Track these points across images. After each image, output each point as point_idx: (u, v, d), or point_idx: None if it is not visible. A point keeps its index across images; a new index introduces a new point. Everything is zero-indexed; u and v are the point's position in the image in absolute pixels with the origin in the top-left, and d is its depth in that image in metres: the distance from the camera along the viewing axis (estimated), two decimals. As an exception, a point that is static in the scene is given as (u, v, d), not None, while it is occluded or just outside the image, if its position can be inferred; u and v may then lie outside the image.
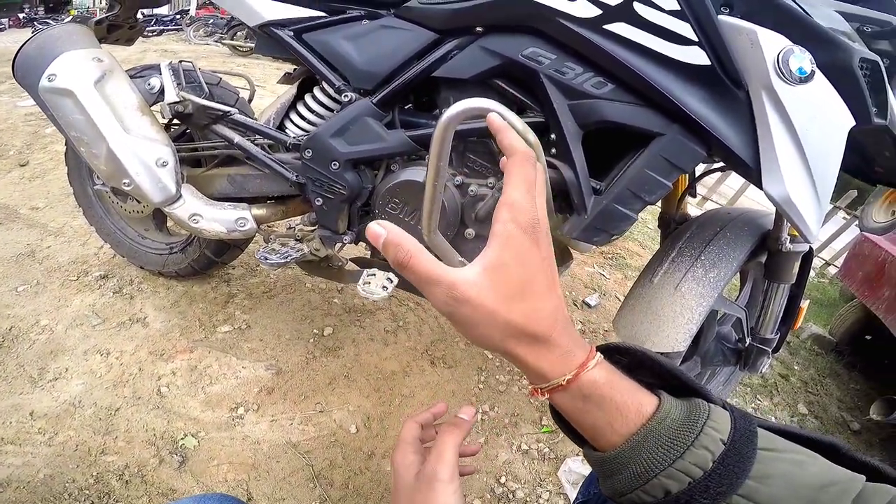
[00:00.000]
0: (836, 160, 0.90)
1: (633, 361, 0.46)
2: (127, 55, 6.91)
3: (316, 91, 1.25)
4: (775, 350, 1.43)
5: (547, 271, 0.41)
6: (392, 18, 1.15)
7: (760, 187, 0.93)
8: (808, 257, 1.35)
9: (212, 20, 11.19)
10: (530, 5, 0.94)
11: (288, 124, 1.30)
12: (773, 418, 1.97)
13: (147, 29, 13.22)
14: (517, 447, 1.50)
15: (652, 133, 0.95)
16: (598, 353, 0.42)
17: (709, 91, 0.92)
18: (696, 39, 0.88)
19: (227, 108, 1.27)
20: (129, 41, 1.64)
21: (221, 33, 9.94)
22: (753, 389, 2.15)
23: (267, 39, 1.21)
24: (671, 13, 0.87)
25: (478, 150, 1.13)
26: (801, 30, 0.86)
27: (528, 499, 1.36)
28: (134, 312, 1.67)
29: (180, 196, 1.27)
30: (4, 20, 19.75)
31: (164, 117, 1.31)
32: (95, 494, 1.14)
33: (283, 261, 1.26)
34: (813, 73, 0.85)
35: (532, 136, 0.89)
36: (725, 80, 0.90)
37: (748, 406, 2.03)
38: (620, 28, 0.91)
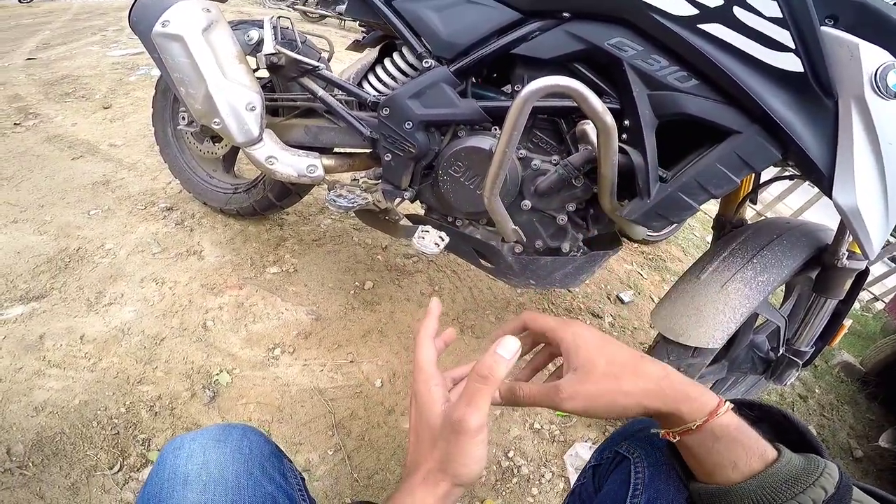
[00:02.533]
0: None
1: (758, 415, 0.51)
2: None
3: (395, 56, 1.23)
4: (805, 364, 1.33)
5: (622, 349, 0.50)
6: None
7: (830, 196, 0.86)
8: (861, 276, 1.23)
9: None
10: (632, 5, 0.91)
11: (366, 84, 1.30)
12: None
13: None
14: (530, 425, 1.40)
15: (730, 130, 0.91)
16: (728, 403, 0.47)
17: (796, 96, 0.87)
18: (793, 47, 0.83)
19: (316, 64, 1.29)
20: None
21: None
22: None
23: (359, 3, 1.21)
24: (772, 20, 0.83)
25: (546, 127, 1.11)
26: None
27: (531, 476, 1.28)
28: (192, 245, 1.64)
29: (261, 139, 1.28)
30: None
31: (257, 67, 1.32)
32: (122, 424, 1.10)
33: (350, 205, 1.27)
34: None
35: (609, 119, 0.87)
36: (815, 87, 0.84)
37: None
38: (715, 29, 0.86)
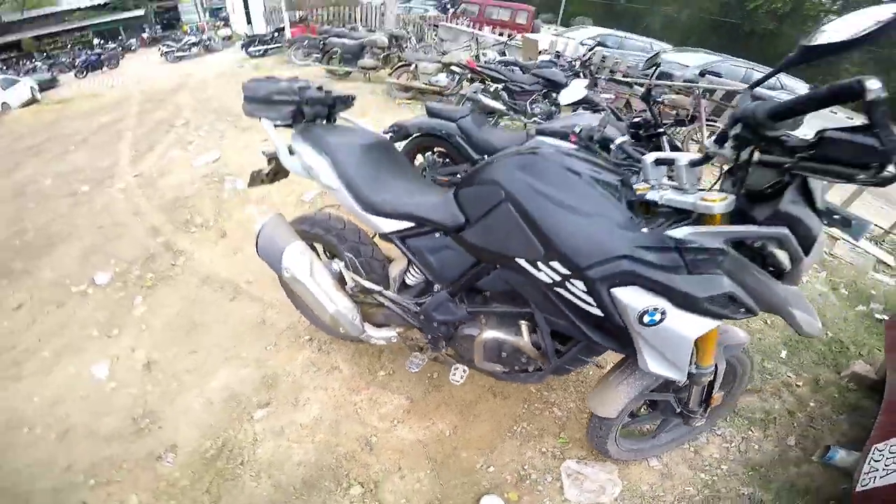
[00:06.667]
0: (684, 351, 1.54)
1: None
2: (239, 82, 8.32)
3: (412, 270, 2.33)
4: (705, 412, 2.11)
5: None
6: (450, 240, 1.98)
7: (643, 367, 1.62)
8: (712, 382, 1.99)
9: (307, 41, 12.10)
10: (523, 272, 1.71)
11: (409, 278, 2.37)
12: (756, 447, 2.74)
13: (251, 49, 14.57)
14: (540, 449, 2.52)
15: (578, 338, 1.83)
16: None
17: (600, 325, 1.67)
18: (594, 303, 1.57)
19: (379, 288, 2.31)
20: (275, 180, 2.68)
21: (318, 54, 11.11)
22: (751, 421, 2.88)
23: (385, 238, 2.15)
24: (586, 292, 1.57)
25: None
26: (663, 289, 1.44)
27: (538, 479, 2.39)
28: (333, 363, 2.96)
29: (364, 330, 2.39)
30: (133, 40, 23.83)
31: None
32: (348, 465, 2.43)
33: (419, 367, 2.58)
34: (661, 319, 1.46)
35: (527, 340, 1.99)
36: (614, 322, 1.55)
37: (738, 436, 2.76)
38: (563, 288, 1.63)
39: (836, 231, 5.88)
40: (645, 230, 1.50)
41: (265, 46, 14.68)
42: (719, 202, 1.38)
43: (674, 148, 2.92)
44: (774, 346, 3.60)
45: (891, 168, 1.03)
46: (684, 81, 9.75)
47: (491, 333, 2.04)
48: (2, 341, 3.20)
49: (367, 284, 2.34)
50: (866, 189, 6.13)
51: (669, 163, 1.57)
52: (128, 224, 4.35)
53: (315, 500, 2.29)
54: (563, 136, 2.14)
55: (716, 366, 1.90)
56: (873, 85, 1.01)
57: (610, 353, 2.01)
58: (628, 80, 7.18)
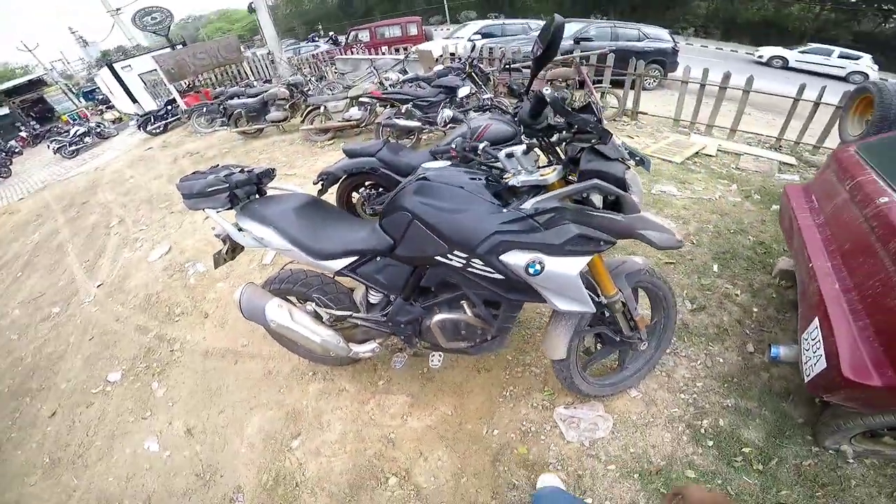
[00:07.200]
0: (575, 285, 1.96)
1: None
2: (164, 169, 9.45)
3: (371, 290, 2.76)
4: (641, 340, 2.64)
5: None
6: (388, 259, 2.40)
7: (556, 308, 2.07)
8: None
9: (205, 107, 11.85)
10: (442, 265, 2.14)
11: (371, 298, 2.77)
12: (721, 360, 3.11)
13: (150, 128, 14.11)
14: (531, 405, 2.98)
15: (501, 301, 2.32)
16: None
17: (509, 286, 2.08)
18: (493, 271, 2.01)
19: (349, 313, 2.73)
20: (235, 256, 2.94)
21: (222, 118, 11.16)
22: (707, 338, 3.25)
23: (340, 274, 2.50)
24: (484, 265, 2.02)
25: None
26: (532, 246, 1.90)
27: (538, 430, 2.83)
28: (339, 386, 3.44)
29: (349, 348, 2.76)
30: (13, 142, 21.02)
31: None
32: (380, 466, 2.96)
33: (403, 363, 3.11)
34: (542, 268, 1.88)
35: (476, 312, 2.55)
36: (513, 280, 2.01)
37: (701, 354, 3.13)
38: (471, 267, 2.06)
39: (739, 147, 6.92)
40: (505, 210, 1.96)
41: (163, 122, 14.37)
42: (551, 174, 1.92)
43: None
44: (706, 263, 4.13)
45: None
46: (562, 54, 10.72)
47: (443, 317, 2.51)
48: (57, 443, 3.58)
49: (339, 313, 2.78)
50: (748, 104, 7.13)
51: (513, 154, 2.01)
52: (115, 330, 4.62)
53: (364, 498, 2.72)
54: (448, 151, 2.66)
55: (621, 292, 2.35)
56: (546, 91, 1.68)
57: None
58: (517, 65, 7.99)
